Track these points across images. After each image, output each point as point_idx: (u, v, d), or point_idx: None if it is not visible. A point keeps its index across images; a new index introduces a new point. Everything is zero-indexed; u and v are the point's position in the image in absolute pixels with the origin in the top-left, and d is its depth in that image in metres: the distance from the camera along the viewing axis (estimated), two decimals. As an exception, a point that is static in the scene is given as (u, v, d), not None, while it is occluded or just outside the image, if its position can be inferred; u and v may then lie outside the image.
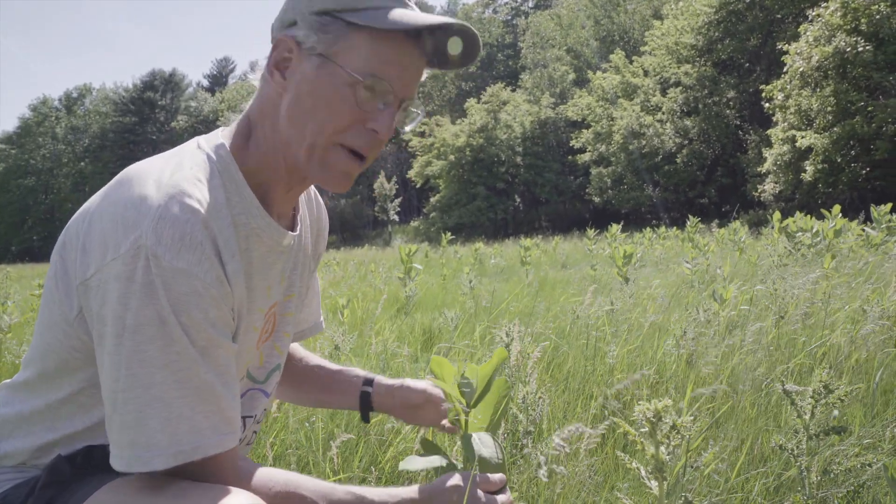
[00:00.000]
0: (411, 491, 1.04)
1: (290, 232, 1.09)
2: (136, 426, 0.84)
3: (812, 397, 1.37)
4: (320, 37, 0.94)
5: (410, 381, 1.36)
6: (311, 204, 1.25)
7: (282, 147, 1.00)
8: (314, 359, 1.43)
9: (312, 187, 1.26)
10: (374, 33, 0.94)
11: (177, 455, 0.84)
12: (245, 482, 0.94)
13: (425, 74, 1.04)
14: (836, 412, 1.32)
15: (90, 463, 0.96)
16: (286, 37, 0.96)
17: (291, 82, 0.97)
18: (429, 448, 1.24)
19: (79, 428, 0.97)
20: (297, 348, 1.43)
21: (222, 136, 1.02)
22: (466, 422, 1.20)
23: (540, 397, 1.85)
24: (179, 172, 0.91)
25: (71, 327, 0.93)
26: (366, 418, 1.39)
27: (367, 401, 1.36)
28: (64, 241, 0.96)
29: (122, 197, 0.90)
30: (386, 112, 0.98)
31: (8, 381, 1.05)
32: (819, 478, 1.35)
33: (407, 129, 1.04)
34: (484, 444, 1.16)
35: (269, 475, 0.99)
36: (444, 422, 1.35)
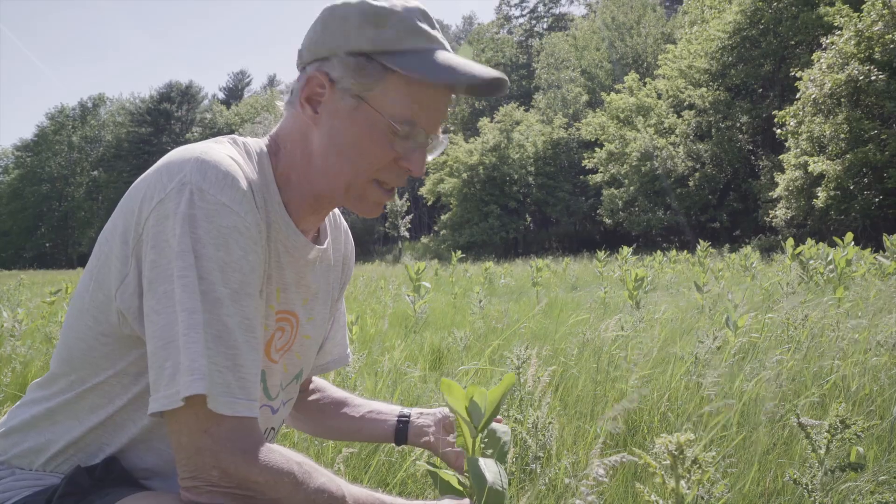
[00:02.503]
0: None
1: (314, 244, 1.09)
2: (154, 362, 0.84)
3: (828, 431, 1.36)
4: (356, 79, 0.95)
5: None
6: (339, 232, 1.26)
7: (314, 177, 1.01)
8: (339, 391, 1.41)
9: (341, 218, 1.27)
10: (410, 79, 0.94)
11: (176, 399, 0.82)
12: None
13: None
14: (861, 449, 1.30)
15: (109, 475, 0.96)
16: (319, 73, 0.97)
17: (324, 117, 0.98)
18: (435, 476, 1.23)
19: (102, 418, 0.96)
20: (319, 381, 1.41)
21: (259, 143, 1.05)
22: (474, 445, 1.19)
23: (550, 422, 1.84)
24: (215, 145, 0.96)
25: (106, 307, 0.92)
26: (401, 442, 1.35)
27: (404, 427, 1.33)
28: (107, 228, 0.96)
29: (160, 163, 0.93)
30: (418, 151, 1.00)
31: (37, 380, 1.06)
32: (834, 514, 1.33)
33: (431, 157, 1.05)
34: (489, 470, 1.15)
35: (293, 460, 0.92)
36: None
